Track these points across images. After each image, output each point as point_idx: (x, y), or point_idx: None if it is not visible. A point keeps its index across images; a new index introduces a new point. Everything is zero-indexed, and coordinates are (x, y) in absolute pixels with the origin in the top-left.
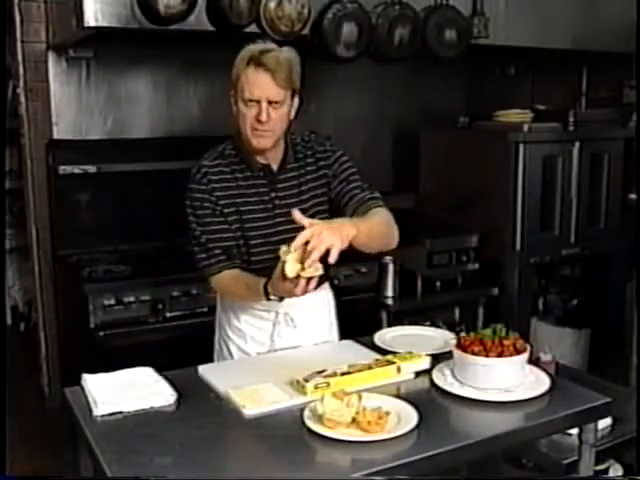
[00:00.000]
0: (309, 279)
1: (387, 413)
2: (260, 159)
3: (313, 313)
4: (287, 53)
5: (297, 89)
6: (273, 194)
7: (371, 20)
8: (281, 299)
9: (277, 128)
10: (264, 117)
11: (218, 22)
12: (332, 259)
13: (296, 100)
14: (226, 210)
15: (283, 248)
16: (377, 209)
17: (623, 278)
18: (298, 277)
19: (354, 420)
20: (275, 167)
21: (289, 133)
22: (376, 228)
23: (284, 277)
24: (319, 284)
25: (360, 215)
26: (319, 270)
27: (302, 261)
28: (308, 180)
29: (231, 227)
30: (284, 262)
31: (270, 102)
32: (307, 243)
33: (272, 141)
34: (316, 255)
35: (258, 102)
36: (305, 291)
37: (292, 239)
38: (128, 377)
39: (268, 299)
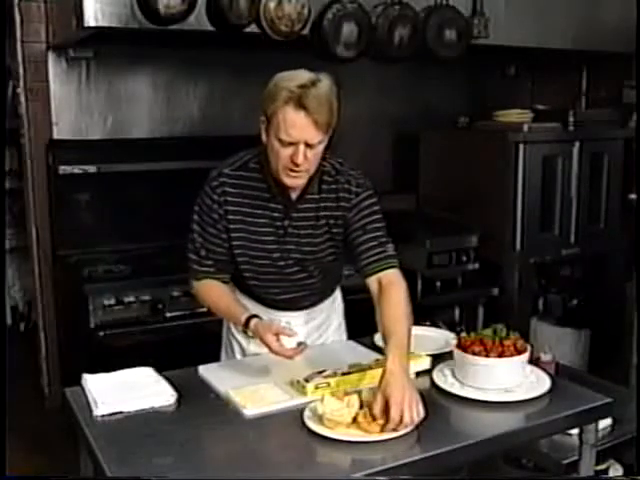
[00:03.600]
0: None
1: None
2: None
3: (320, 325)
4: (326, 87)
5: (334, 124)
6: (287, 222)
7: (371, 20)
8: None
9: (312, 167)
10: (300, 159)
11: (218, 22)
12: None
13: (331, 131)
14: (232, 225)
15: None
16: (391, 271)
17: (623, 278)
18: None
19: (354, 420)
20: (294, 196)
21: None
22: (410, 327)
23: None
24: (328, 295)
25: (369, 272)
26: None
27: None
28: (325, 216)
29: (234, 242)
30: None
31: (308, 144)
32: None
33: (305, 180)
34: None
35: (294, 143)
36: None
37: (299, 262)
38: (128, 377)
39: (244, 331)
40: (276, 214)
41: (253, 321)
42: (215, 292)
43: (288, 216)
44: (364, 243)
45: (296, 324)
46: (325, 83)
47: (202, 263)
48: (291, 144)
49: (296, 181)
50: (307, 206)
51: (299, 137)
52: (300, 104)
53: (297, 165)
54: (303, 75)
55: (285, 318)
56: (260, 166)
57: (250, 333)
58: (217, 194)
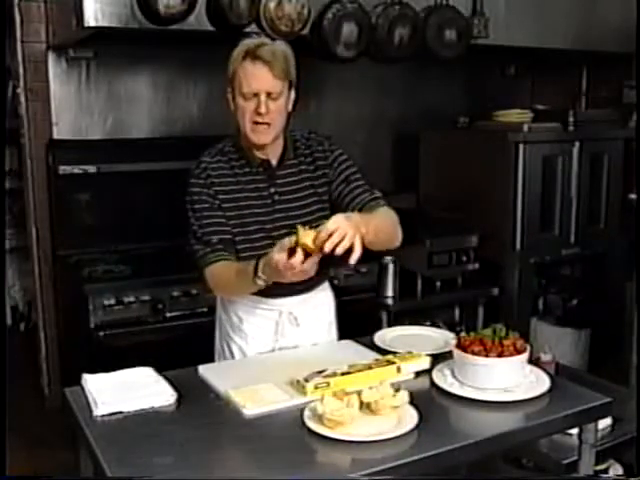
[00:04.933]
0: (305, 260)
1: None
2: (259, 154)
3: (315, 312)
4: (282, 46)
5: (293, 81)
6: (272, 189)
7: (371, 20)
8: (268, 282)
9: (276, 121)
10: (263, 109)
11: (218, 22)
12: (357, 254)
13: (293, 93)
14: (225, 205)
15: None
16: (381, 209)
17: (623, 278)
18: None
19: (369, 406)
20: (274, 162)
21: (288, 129)
22: (382, 227)
23: (289, 254)
24: (319, 282)
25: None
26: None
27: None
28: (307, 178)
29: (229, 222)
30: (298, 236)
31: (269, 94)
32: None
33: (272, 136)
34: (342, 242)
35: (256, 95)
36: (300, 272)
37: (292, 234)
38: (128, 377)
39: (254, 281)
40: (261, 185)
41: (261, 260)
42: (225, 268)
43: (272, 183)
44: (350, 192)
45: (298, 313)
46: (280, 44)
47: (208, 245)
48: (254, 96)
49: (262, 137)
50: (288, 171)
51: (259, 87)
52: (256, 56)
53: (261, 115)
54: (261, 39)
55: (286, 307)
56: (236, 148)
57: (263, 275)
58: (202, 178)
